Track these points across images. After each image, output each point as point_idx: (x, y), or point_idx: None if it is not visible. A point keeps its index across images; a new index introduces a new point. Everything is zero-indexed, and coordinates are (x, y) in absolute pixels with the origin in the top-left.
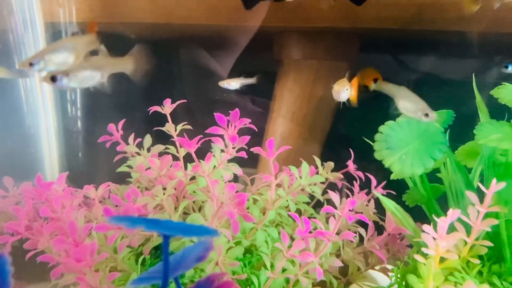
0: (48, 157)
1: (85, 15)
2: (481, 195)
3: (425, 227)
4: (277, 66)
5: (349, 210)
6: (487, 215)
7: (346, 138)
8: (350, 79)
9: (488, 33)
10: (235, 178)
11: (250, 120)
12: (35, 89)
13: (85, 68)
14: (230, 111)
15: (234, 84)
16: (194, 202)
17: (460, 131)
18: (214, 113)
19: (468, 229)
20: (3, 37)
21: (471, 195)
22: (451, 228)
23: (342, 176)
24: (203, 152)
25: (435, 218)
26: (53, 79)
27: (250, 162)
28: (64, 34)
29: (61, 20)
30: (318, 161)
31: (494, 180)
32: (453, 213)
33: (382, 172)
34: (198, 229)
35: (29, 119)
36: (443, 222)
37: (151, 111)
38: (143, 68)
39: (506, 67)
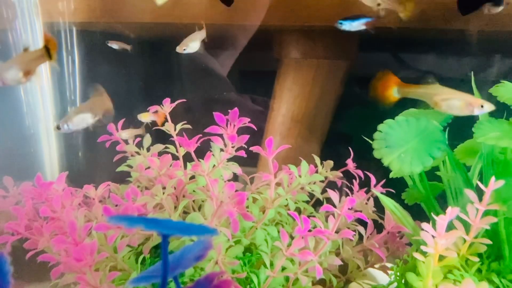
0: (48, 157)
1: (84, 14)
2: (480, 193)
3: (424, 225)
4: (276, 65)
5: (349, 209)
6: (486, 213)
7: (345, 136)
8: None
9: (486, 31)
10: (235, 177)
11: (249, 119)
12: (34, 89)
13: (80, 112)
14: (229, 109)
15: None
16: (193, 201)
17: (459, 129)
18: (214, 113)
19: (467, 227)
20: (2, 37)
21: (470, 193)
22: (450, 226)
23: (341, 175)
24: (202, 151)
25: (434, 216)
26: (58, 127)
27: (249, 161)
28: (63, 33)
29: (61, 20)
30: (317, 160)
31: (493, 178)
32: (452, 211)
33: (381, 171)
34: (197, 228)
35: (29, 119)
36: (442, 220)
37: (150, 110)
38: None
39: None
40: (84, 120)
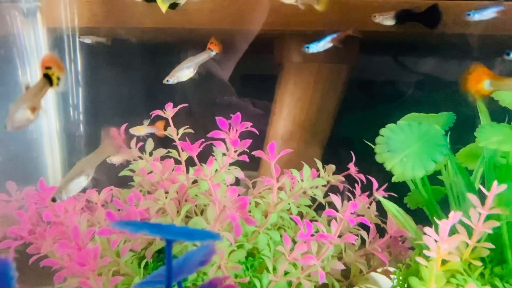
0: (50, 162)
1: (87, 20)
2: (482, 197)
3: (427, 229)
4: (278, 69)
5: (351, 213)
6: (488, 217)
7: (347, 140)
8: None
9: (488, 35)
10: (237, 181)
11: (251, 124)
12: None
13: (72, 179)
14: (230, 113)
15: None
16: (196, 205)
17: (461, 133)
18: (216, 117)
19: (470, 231)
20: (5, 42)
21: (473, 197)
22: (453, 230)
23: (343, 179)
24: (204, 154)
25: (436, 220)
26: (53, 200)
27: (251, 165)
28: (66, 39)
29: (63, 25)
30: (319, 164)
31: (495, 182)
32: (454, 216)
33: (383, 174)
34: (201, 234)
35: (31, 124)
36: (444, 224)
37: (152, 115)
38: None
39: (508, 54)
40: (80, 183)
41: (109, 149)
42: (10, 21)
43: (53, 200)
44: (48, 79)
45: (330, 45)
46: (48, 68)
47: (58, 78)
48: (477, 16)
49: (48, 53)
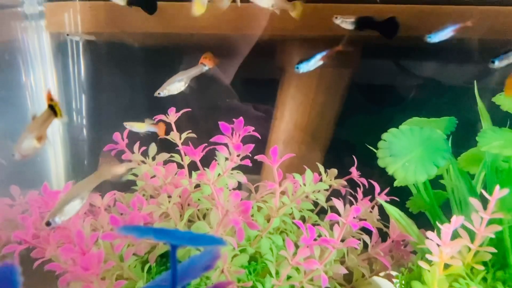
0: (54, 165)
1: (90, 25)
2: (484, 202)
3: (429, 233)
4: (279, 73)
5: (353, 218)
6: (490, 222)
7: (349, 144)
8: None
9: (489, 39)
10: (239, 185)
11: (253, 128)
12: (41, 98)
13: (67, 202)
14: (232, 117)
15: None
16: (198, 209)
17: (463, 136)
18: (219, 122)
19: (472, 235)
20: (10, 47)
21: (475, 202)
22: (455, 235)
23: (345, 183)
24: (206, 158)
25: (439, 224)
26: (47, 224)
27: (253, 168)
28: (69, 43)
29: (67, 30)
30: (321, 168)
31: (497, 187)
32: (456, 220)
33: (385, 178)
34: (205, 239)
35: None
36: (447, 228)
37: (156, 120)
38: (116, 169)
39: (493, 62)
40: (74, 207)
41: (106, 174)
42: (14, 26)
43: (48, 224)
44: (53, 110)
45: (320, 63)
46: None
47: None
48: (437, 38)
49: (48, 89)
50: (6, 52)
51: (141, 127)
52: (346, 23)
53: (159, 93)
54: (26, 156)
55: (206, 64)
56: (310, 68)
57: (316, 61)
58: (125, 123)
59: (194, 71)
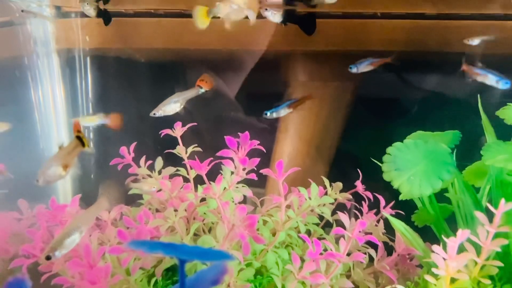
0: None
1: (97, 41)
2: (490, 215)
3: (435, 247)
4: (284, 87)
5: (359, 231)
6: (496, 235)
7: (353, 157)
8: None
9: (490, 53)
10: (244, 199)
11: (258, 142)
12: (49, 112)
13: (67, 236)
14: (236, 129)
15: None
16: (204, 223)
17: (467, 149)
18: (224, 135)
19: (478, 249)
20: (19, 63)
21: (480, 215)
22: (461, 248)
23: (351, 197)
24: (212, 171)
25: (444, 238)
26: (47, 258)
27: (257, 182)
28: (78, 59)
29: (75, 46)
30: (326, 182)
31: (502, 200)
32: (462, 234)
33: (390, 191)
34: (214, 254)
35: (43, 141)
36: (453, 242)
37: (162, 134)
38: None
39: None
40: (74, 240)
41: (105, 205)
42: (23, 42)
43: (48, 258)
44: (80, 140)
45: (289, 110)
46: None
47: None
48: (357, 69)
49: (77, 120)
50: (16, 68)
51: (92, 120)
52: (274, 15)
53: (154, 114)
54: (50, 182)
55: (202, 87)
56: (279, 115)
57: (284, 109)
58: (73, 119)
59: (190, 93)
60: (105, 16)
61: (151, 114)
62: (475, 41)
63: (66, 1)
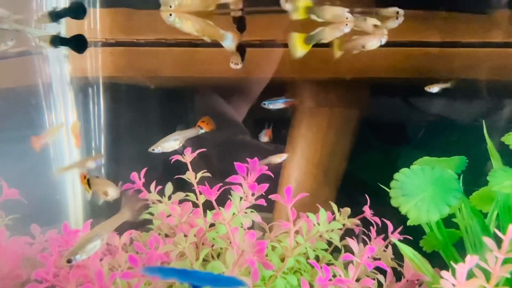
0: (72, 204)
1: (110, 69)
2: (498, 240)
3: (444, 273)
4: (291, 113)
5: (368, 257)
6: (505, 261)
7: (360, 181)
8: None
9: (495, 80)
10: (252, 223)
11: (267, 167)
12: (61, 138)
13: (89, 241)
14: (244, 152)
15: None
16: (212, 249)
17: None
18: (233, 160)
19: (487, 275)
20: (34, 90)
21: (489, 241)
22: (470, 274)
23: (359, 222)
24: (219, 195)
25: (453, 264)
26: (68, 261)
27: (265, 206)
28: (91, 86)
29: (88, 74)
30: (334, 207)
31: (510, 226)
32: (471, 259)
33: (397, 216)
34: (227, 280)
35: (56, 166)
36: (462, 268)
37: (173, 160)
38: (137, 209)
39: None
40: (95, 247)
41: (129, 215)
42: (39, 71)
43: (69, 261)
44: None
45: (283, 106)
46: None
47: None
48: (272, 106)
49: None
50: (32, 95)
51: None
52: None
53: (153, 149)
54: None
55: (202, 128)
56: (275, 107)
57: (280, 104)
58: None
59: (190, 133)
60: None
61: (150, 150)
62: (435, 89)
63: (80, 32)
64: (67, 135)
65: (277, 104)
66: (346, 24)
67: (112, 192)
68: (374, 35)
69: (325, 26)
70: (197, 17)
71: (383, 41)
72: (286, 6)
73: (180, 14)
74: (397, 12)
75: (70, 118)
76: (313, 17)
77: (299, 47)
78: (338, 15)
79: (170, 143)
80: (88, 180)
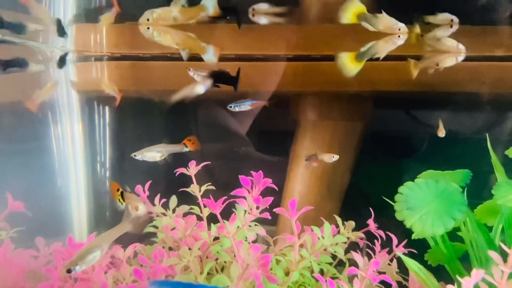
0: (76, 216)
1: (116, 83)
2: (504, 254)
3: (450, 287)
4: (294, 125)
5: (373, 271)
6: (511, 275)
7: (364, 194)
8: None
9: (497, 92)
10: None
11: (271, 181)
12: (67, 150)
13: (89, 252)
14: (247, 163)
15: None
16: (216, 262)
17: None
18: (236, 172)
19: None
20: (40, 104)
21: (494, 255)
22: None
23: (363, 236)
24: (224, 209)
25: (459, 278)
26: (68, 271)
27: (269, 219)
28: (96, 100)
29: (94, 87)
30: (339, 220)
31: None
32: (477, 273)
33: (402, 229)
34: None
35: (61, 179)
36: (467, 282)
37: (177, 173)
38: (141, 221)
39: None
40: (95, 257)
41: (129, 227)
42: (46, 85)
43: (68, 271)
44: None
45: (250, 108)
46: None
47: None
48: (238, 108)
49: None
50: (40, 109)
51: None
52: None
53: (135, 155)
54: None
55: (187, 146)
56: (241, 109)
57: (245, 106)
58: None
59: (174, 148)
60: None
61: (132, 155)
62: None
63: (87, 46)
64: (72, 147)
65: (242, 107)
66: (399, 36)
67: (142, 208)
68: (450, 53)
69: (376, 40)
70: (177, 30)
71: (460, 59)
72: (254, 19)
73: (159, 27)
74: (452, 20)
75: (75, 131)
76: (365, 24)
77: (350, 66)
78: (390, 26)
79: (152, 153)
80: (121, 193)
